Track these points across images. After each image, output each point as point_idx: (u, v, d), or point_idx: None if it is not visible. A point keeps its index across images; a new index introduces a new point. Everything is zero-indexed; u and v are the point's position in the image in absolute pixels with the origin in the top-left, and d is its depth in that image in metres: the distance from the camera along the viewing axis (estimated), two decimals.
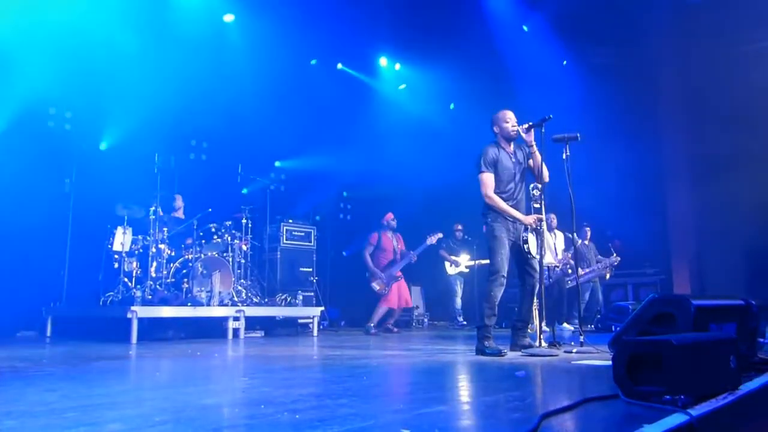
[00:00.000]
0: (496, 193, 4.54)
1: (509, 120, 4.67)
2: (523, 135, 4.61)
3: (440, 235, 8.35)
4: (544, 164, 4.63)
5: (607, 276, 8.79)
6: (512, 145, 4.72)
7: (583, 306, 8.55)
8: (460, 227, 9.92)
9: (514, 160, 4.66)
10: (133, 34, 7.66)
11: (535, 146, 4.61)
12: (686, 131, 9.46)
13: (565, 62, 10.46)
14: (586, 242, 8.81)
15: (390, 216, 8.32)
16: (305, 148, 10.33)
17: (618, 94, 9.49)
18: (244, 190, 9.67)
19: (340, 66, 10.64)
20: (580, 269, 8.16)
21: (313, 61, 10.24)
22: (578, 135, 4.67)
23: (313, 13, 8.50)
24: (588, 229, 8.84)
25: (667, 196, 9.79)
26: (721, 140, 8.53)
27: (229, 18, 8.96)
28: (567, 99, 9.02)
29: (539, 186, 4.85)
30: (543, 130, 4.61)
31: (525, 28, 9.85)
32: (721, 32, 8.39)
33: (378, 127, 10.70)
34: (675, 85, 9.48)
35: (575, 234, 5.12)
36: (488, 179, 4.53)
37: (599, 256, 8.75)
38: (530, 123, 4.63)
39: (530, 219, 4.60)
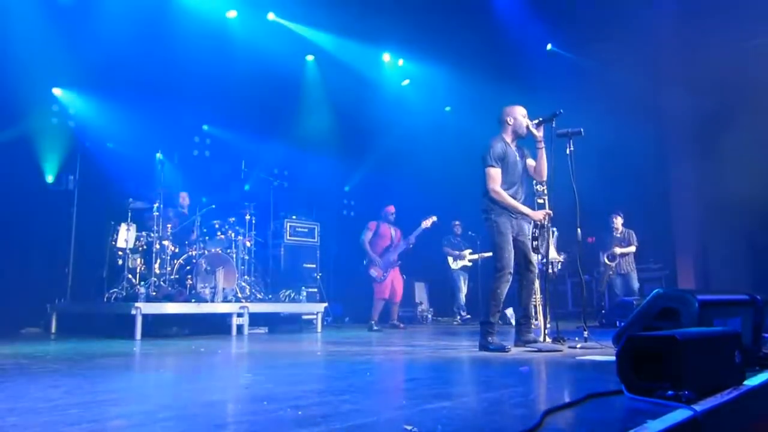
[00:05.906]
0: (502, 188, 4.46)
1: (525, 115, 4.59)
2: (533, 131, 4.53)
3: (434, 218, 8.19)
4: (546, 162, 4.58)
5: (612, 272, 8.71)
6: (515, 141, 4.68)
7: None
8: (458, 223, 9.87)
9: (518, 156, 4.61)
10: (135, 29, 7.65)
11: (543, 143, 4.53)
12: (690, 127, 9.42)
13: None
14: (618, 233, 8.60)
15: (391, 208, 8.29)
16: (309, 145, 10.32)
17: (620, 90, 9.44)
18: (247, 187, 9.68)
19: (342, 61, 10.62)
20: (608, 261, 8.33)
21: (311, 57, 10.23)
22: (582, 130, 4.61)
23: (314, 9, 8.49)
24: (617, 217, 8.60)
25: (671, 190, 9.75)
26: (726, 134, 8.49)
27: (231, 14, 8.96)
28: (569, 94, 8.98)
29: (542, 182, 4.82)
30: (554, 125, 4.55)
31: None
32: (726, 25, 8.33)
33: (381, 122, 10.68)
34: (678, 78, 9.42)
35: (579, 229, 5.09)
36: (495, 174, 4.43)
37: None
38: (540, 118, 4.54)
39: (540, 214, 4.53)
